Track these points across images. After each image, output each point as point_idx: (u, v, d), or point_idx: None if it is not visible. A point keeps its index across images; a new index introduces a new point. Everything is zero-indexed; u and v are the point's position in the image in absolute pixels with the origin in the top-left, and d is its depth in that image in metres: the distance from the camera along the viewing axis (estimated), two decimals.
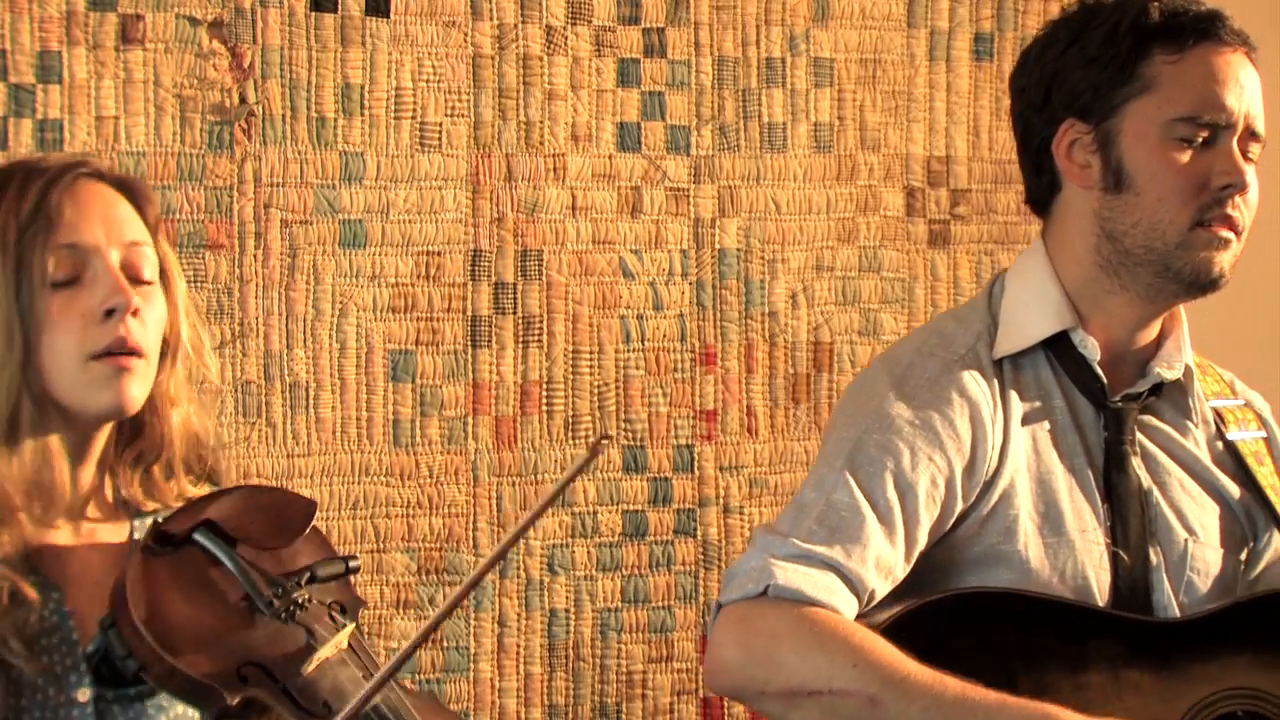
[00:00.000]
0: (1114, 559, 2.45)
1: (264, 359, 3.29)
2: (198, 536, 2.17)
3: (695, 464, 3.51)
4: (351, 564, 2.23)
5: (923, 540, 2.41)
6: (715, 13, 3.53)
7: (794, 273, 3.56)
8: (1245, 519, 2.55)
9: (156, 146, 3.24)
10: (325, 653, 2.09)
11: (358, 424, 3.34)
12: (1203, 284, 2.45)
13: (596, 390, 3.46)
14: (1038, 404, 2.49)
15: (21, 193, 2.19)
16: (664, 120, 3.50)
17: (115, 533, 2.26)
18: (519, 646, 3.40)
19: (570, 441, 3.45)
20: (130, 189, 2.26)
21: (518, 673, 3.40)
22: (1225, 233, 2.43)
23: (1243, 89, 2.43)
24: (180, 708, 2.20)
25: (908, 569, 2.41)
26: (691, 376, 3.51)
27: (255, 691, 2.05)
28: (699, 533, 3.49)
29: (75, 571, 2.20)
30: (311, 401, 3.32)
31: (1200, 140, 2.42)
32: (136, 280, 2.21)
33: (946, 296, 3.63)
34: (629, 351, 3.48)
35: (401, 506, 3.35)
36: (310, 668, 2.07)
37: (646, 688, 3.45)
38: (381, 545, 3.32)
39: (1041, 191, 2.54)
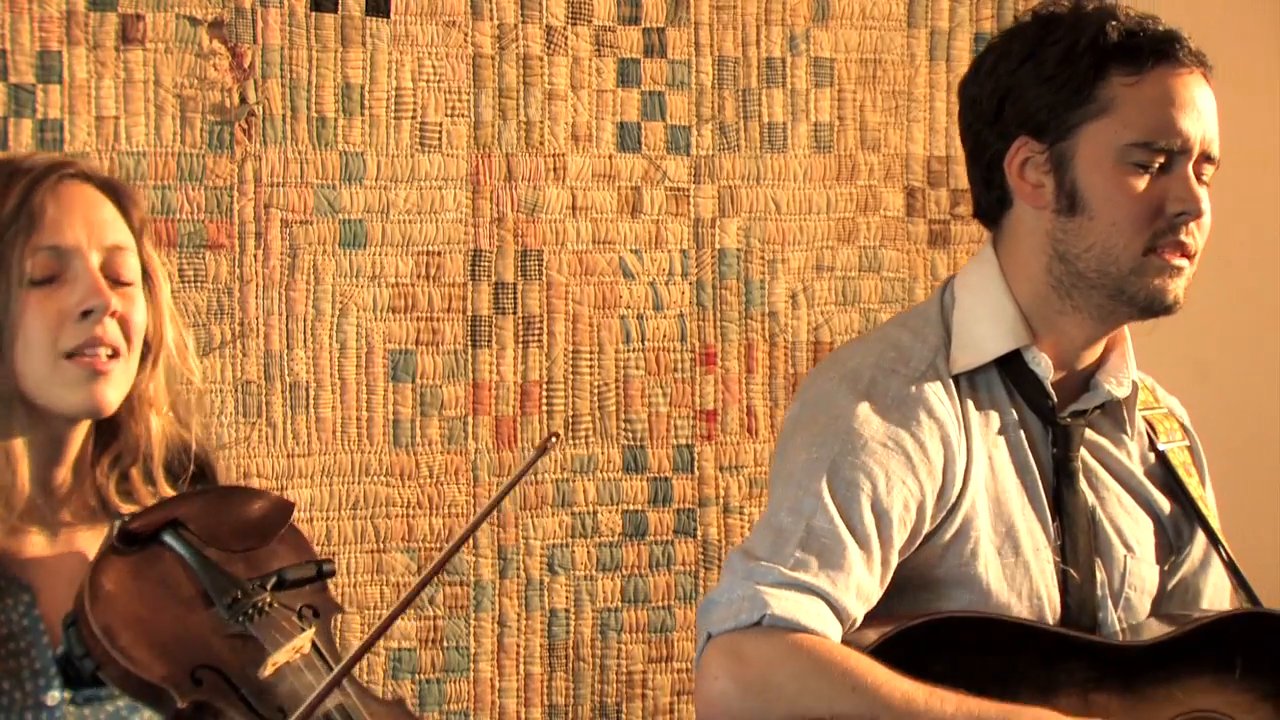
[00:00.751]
0: (1063, 576, 2.44)
1: (264, 359, 3.28)
2: (165, 536, 2.15)
3: (695, 464, 3.51)
4: (325, 568, 2.20)
5: (894, 563, 2.39)
6: (715, 13, 3.53)
7: (794, 273, 3.57)
8: (1173, 531, 2.54)
9: (157, 146, 3.24)
10: (281, 657, 2.07)
11: (358, 424, 3.34)
12: (1156, 309, 2.43)
13: (596, 390, 3.46)
14: (994, 421, 2.46)
15: (4, 191, 2.18)
16: (664, 120, 3.51)
17: (93, 536, 2.24)
18: (519, 646, 3.40)
19: (570, 442, 3.45)
20: (115, 191, 2.25)
21: (518, 673, 3.41)
22: (1178, 260, 2.39)
23: (1200, 113, 2.40)
24: (147, 713, 2.17)
25: (880, 591, 2.39)
26: (691, 376, 3.51)
27: (209, 695, 2.03)
28: (699, 533, 3.49)
29: (49, 574, 2.18)
30: (311, 401, 3.32)
31: (1156, 165, 2.38)
32: (116, 282, 2.20)
33: None
34: (629, 351, 3.49)
35: (401, 506, 3.35)
36: (266, 671, 2.05)
37: (646, 687, 3.46)
38: (381, 545, 3.32)
39: (991, 205, 2.49)
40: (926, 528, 2.40)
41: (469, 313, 3.40)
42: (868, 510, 2.37)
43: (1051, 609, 2.42)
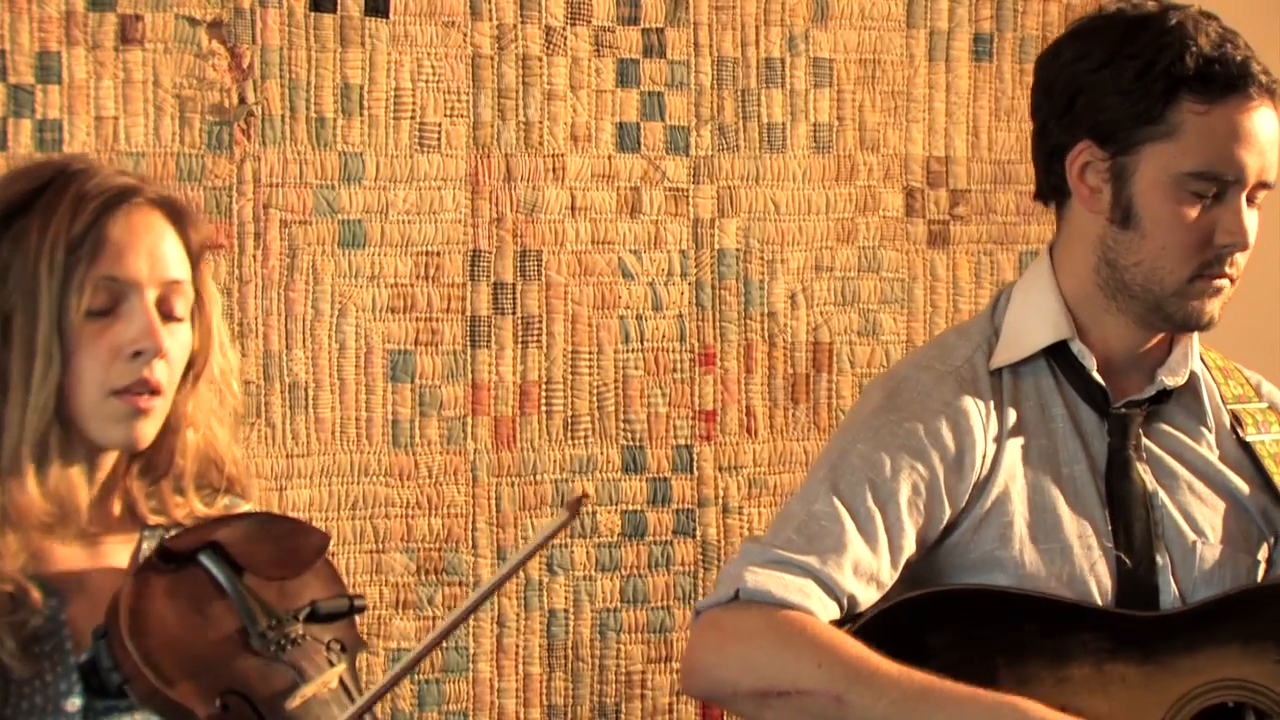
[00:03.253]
0: (1117, 562, 2.48)
1: (263, 359, 3.28)
2: (202, 558, 2.16)
3: (694, 464, 3.52)
4: (357, 603, 2.21)
5: (909, 547, 2.45)
6: (714, 13, 3.53)
7: (793, 273, 3.57)
8: (1262, 520, 2.56)
9: (156, 147, 3.24)
10: (310, 690, 2.08)
11: (357, 424, 3.34)
12: (1191, 327, 2.51)
13: (595, 390, 3.47)
14: (1036, 413, 2.52)
15: (75, 212, 2.17)
16: (663, 120, 3.51)
17: (121, 546, 2.26)
18: (518, 647, 3.41)
19: (569, 442, 3.45)
20: (179, 216, 2.25)
21: (516, 673, 3.41)
22: (1220, 282, 2.47)
23: (1262, 146, 2.45)
24: None
25: (894, 574, 2.45)
26: (691, 377, 3.51)
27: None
28: (698, 533, 3.50)
29: (76, 581, 2.19)
30: (311, 401, 3.32)
31: (1211, 194, 2.44)
32: (168, 316, 2.20)
33: (946, 297, 3.64)
34: (628, 352, 3.49)
35: (400, 507, 3.36)
36: (294, 703, 2.06)
37: (645, 688, 3.46)
38: (380, 545, 3.32)
39: (1049, 191, 2.56)
40: (948, 511, 2.47)
41: (468, 313, 3.41)
42: (869, 495, 2.44)
43: (1103, 594, 2.46)
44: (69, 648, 2.16)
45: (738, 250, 3.55)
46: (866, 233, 3.61)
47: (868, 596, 2.43)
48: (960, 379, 2.51)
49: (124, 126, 3.23)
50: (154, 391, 2.18)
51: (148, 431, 2.20)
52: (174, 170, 3.24)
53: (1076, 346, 2.52)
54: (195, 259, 2.25)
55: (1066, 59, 2.52)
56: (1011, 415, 2.51)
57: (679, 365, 3.51)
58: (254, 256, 3.28)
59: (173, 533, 2.23)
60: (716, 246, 3.54)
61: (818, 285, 3.58)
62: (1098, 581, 2.47)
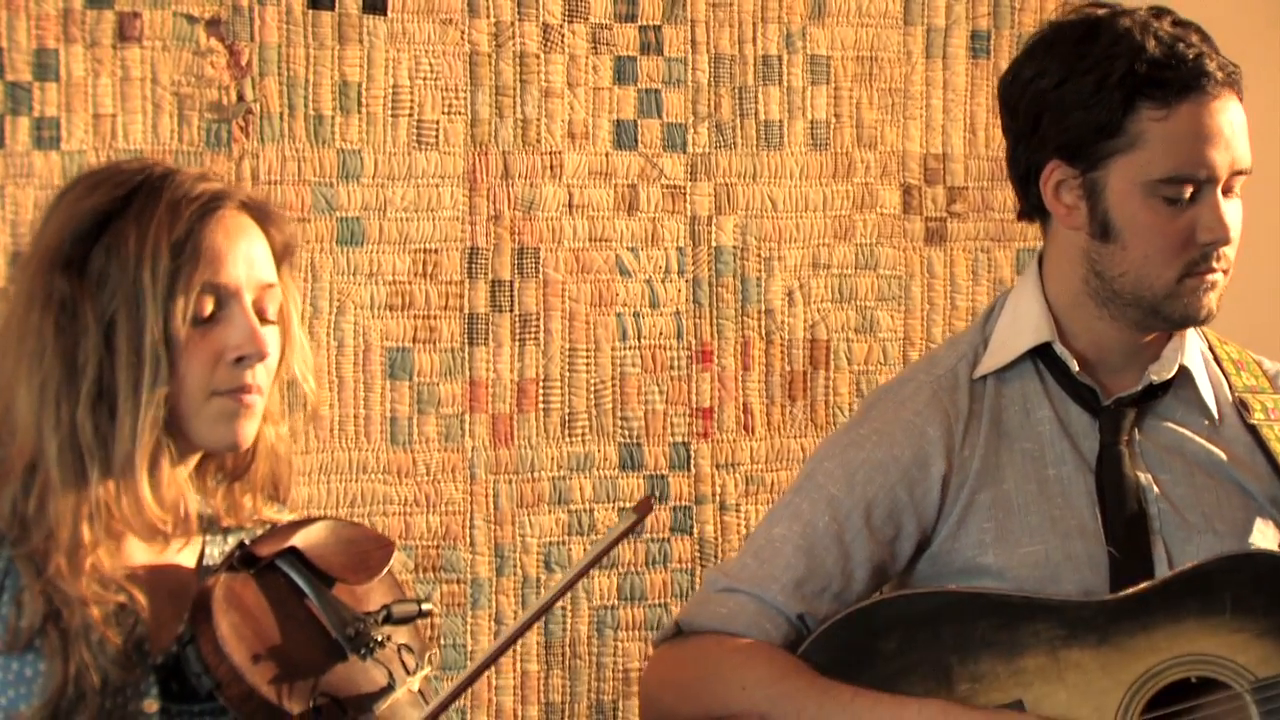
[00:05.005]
0: (1109, 558, 2.49)
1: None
2: (282, 564, 2.19)
3: (692, 461, 3.52)
4: (424, 607, 2.24)
5: (876, 556, 2.51)
6: (712, 10, 3.53)
7: (790, 270, 3.57)
8: (1272, 508, 2.56)
9: (154, 144, 3.24)
10: (400, 694, 2.13)
11: (355, 421, 3.35)
12: (1189, 323, 2.52)
13: (593, 388, 3.47)
14: (1020, 417, 2.54)
15: (173, 218, 2.17)
16: (661, 118, 3.51)
17: (188, 549, 2.27)
18: (516, 644, 3.38)
19: (566, 439, 3.45)
20: (266, 217, 2.26)
21: (514, 670, 3.41)
22: (1211, 276, 2.47)
23: (1227, 139, 2.46)
24: None
25: (861, 585, 2.52)
26: (688, 374, 3.52)
27: None
28: (695, 530, 3.50)
29: (149, 581, 2.20)
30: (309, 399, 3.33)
31: (1186, 196, 2.44)
32: (263, 319, 2.22)
33: (943, 294, 3.64)
34: (625, 349, 3.49)
35: (399, 504, 3.36)
36: (384, 706, 2.11)
37: None
38: None
39: (1031, 210, 2.57)
40: (916, 522, 2.52)
41: (466, 310, 3.41)
42: (828, 512, 2.52)
43: (1100, 589, 2.47)
44: (146, 649, 2.17)
45: (735, 247, 3.55)
46: (864, 230, 3.61)
47: (824, 611, 2.49)
48: (938, 388, 2.55)
49: (122, 124, 3.23)
50: (256, 392, 2.21)
51: (249, 431, 2.22)
52: None
53: (1058, 348, 2.53)
54: (280, 260, 2.27)
55: (1026, 78, 2.52)
56: (992, 422, 2.53)
57: (676, 363, 3.51)
58: None
59: (245, 536, 2.25)
60: (714, 244, 3.54)
61: (815, 282, 3.58)
62: (1092, 578, 2.48)
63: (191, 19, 3.26)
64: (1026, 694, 2.41)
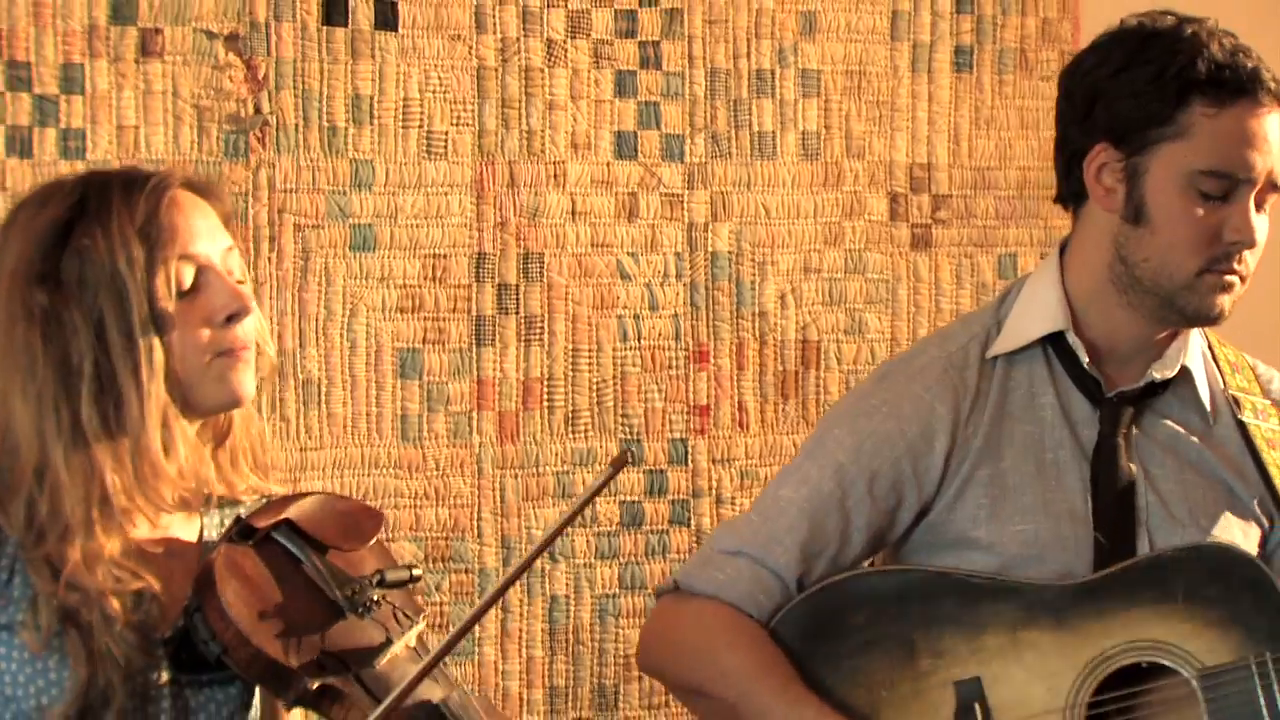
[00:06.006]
0: (1094, 544, 2.52)
1: (278, 357, 3.12)
2: (277, 535, 2.20)
3: (689, 457, 3.53)
4: (415, 573, 2.25)
5: (875, 524, 2.54)
6: (708, 27, 3.54)
7: (783, 274, 3.59)
8: (1258, 508, 2.58)
9: (175, 155, 3.26)
10: (398, 649, 2.15)
11: (368, 419, 3.36)
12: (1202, 321, 2.52)
13: (595, 387, 3.49)
14: (1025, 400, 2.56)
15: (130, 207, 2.18)
16: (659, 129, 3.52)
17: (187, 525, 2.28)
18: (521, 631, 3.43)
19: (570, 436, 3.46)
20: (207, 191, 2.27)
21: (520, 656, 3.43)
22: (1229, 277, 2.48)
23: (1271, 148, 2.47)
24: (246, 695, 2.24)
25: (858, 549, 2.55)
26: (685, 373, 3.53)
27: (332, 679, 2.10)
28: (693, 522, 3.52)
29: (154, 558, 2.21)
30: (323, 397, 3.34)
31: (1220, 194, 2.46)
32: (235, 281, 2.23)
33: (928, 297, 3.65)
34: (626, 350, 3.51)
35: (409, 498, 3.38)
36: (384, 660, 2.13)
37: None
38: (390, 535, 3.32)
39: (1068, 195, 2.58)
40: (917, 493, 2.55)
41: (473, 313, 3.42)
42: (835, 476, 2.54)
43: (1080, 572, 2.49)
44: (154, 624, 2.18)
45: (730, 253, 3.56)
46: (853, 236, 3.63)
47: (819, 573, 2.52)
48: (948, 364, 2.56)
49: (145, 135, 3.25)
50: (248, 347, 2.22)
51: (249, 383, 2.23)
52: None
53: (1071, 338, 2.55)
54: (229, 228, 2.28)
55: (1087, 66, 2.55)
56: (998, 402, 2.55)
57: (674, 362, 3.53)
58: (269, 259, 3.31)
59: (241, 511, 2.26)
60: (710, 249, 3.55)
61: (806, 286, 3.60)
62: (1077, 561, 2.50)
63: (211, 35, 3.28)
64: (984, 671, 2.44)
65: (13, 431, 2.16)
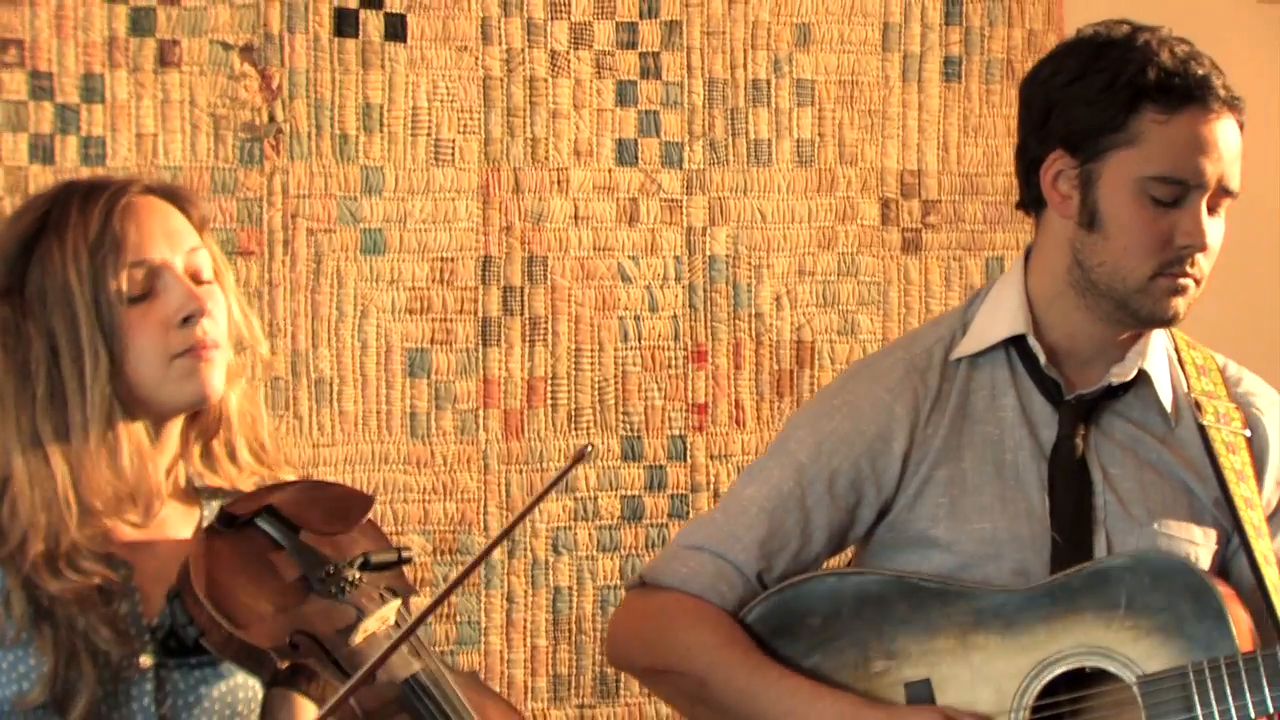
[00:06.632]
0: (1052, 543, 2.50)
1: (291, 357, 3.33)
2: (259, 521, 2.21)
3: (688, 453, 3.55)
4: (404, 554, 2.25)
5: (836, 521, 2.54)
6: (706, 38, 3.57)
7: (778, 277, 3.61)
8: (1215, 509, 2.56)
9: (192, 161, 3.29)
10: (372, 625, 2.13)
11: (378, 416, 3.39)
12: (1156, 323, 2.51)
13: (597, 385, 3.51)
14: (987, 401, 2.55)
15: (84, 217, 2.19)
16: (659, 137, 3.55)
17: (186, 517, 2.29)
18: (526, 621, 3.46)
19: (573, 432, 3.49)
20: (177, 196, 2.27)
21: (524, 645, 3.46)
22: (1183, 281, 2.47)
23: (1221, 154, 2.45)
24: (238, 677, 2.24)
25: (820, 546, 2.55)
26: (684, 373, 3.55)
27: (305, 658, 2.10)
28: (691, 516, 3.53)
29: (144, 550, 2.23)
30: (335, 396, 3.37)
31: (1172, 199, 2.45)
32: (198, 281, 2.23)
33: (918, 299, 3.66)
34: (627, 350, 3.53)
35: (418, 492, 3.41)
36: (357, 639, 2.11)
37: None
38: (399, 528, 3.36)
39: (1029, 201, 2.58)
40: (877, 492, 2.55)
41: (480, 314, 3.45)
42: (796, 475, 2.54)
43: (1041, 572, 2.49)
44: (140, 611, 2.20)
45: (727, 256, 3.58)
46: (845, 240, 3.65)
47: (781, 569, 2.53)
48: (910, 366, 2.55)
49: (163, 143, 3.28)
50: (213, 346, 2.21)
51: (216, 381, 2.22)
52: (209, 183, 3.29)
53: (1031, 341, 2.54)
54: (200, 230, 2.27)
55: (1043, 76, 2.54)
56: (959, 403, 2.54)
57: (674, 362, 3.55)
58: (283, 262, 3.34)
59: (230, 500, 2.25)
60: (708, 253, 3.57)
61: (801, 288, 3.62)
62: (1034, 560, 2.49)
63: (226, 46, 3.31)
64: (934, 673, 2.44)
65: None
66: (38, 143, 3.24)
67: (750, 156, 3.61)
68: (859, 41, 3.67)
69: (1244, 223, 3.41)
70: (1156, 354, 2.58)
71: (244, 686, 2.25)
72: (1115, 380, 2.55)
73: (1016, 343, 2.57)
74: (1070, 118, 2.49)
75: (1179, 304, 2.49)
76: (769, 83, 3.63)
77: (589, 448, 2.10)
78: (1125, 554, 2.48)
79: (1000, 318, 2.57)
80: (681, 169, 3.58)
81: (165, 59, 3.30)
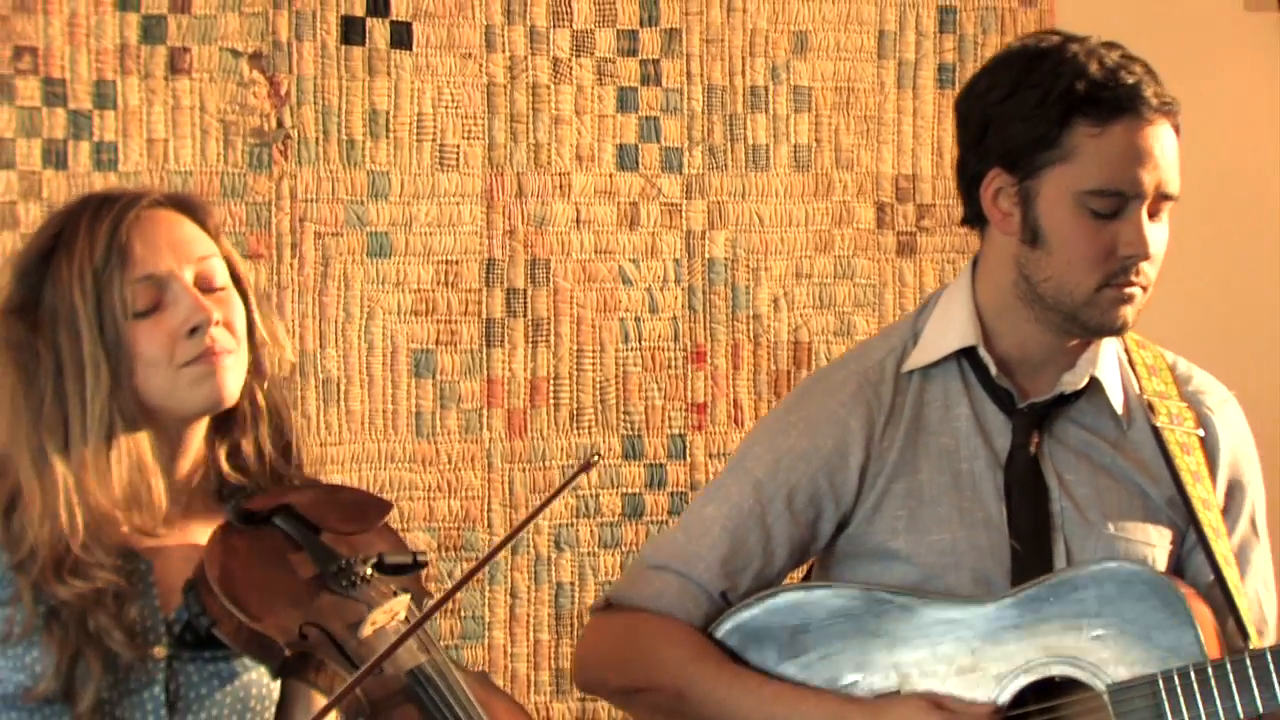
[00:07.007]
0: (1011, 551, 2.50)
1: (299, 357, 3.34)
2: (277, 520, 2.25)
3: (687, 451, 3.57)
4: (419, 558, 2.27)
5: (796, 537, 2.53)
6: (705, 46, 3.58)
7: (776, 279, 3.62)
8: (1170, 509, 2.54)
9: (202, 166, 3.32)
10: (380, 617, 2.15)
11: (384, 416, 3.41)
12: (1105, 332, 2.50)
13: (598, 385, 3.53)
14: (940, 413, 2.53)
15: (91, 234, 2.20)
16: (659, 142, 3.56)
17: (213, 517, 2.30)
18: (529, 616, 3.49)
19: (575, 432, 3.51)
20: (188, 206, 2.29)
21: (528, 640, 3.48)
22: (1129, 289, 2.45)
23: (1157, 162, 2.43)
24: (252, 674, 2.26)
25: (782, 562, 2.54)
26: (684, 373, 3.57)
27: (313, 647, 2.12)
28: None
29: (164, 553, 2.26)
30: (342, 396, 3.40)
31: (1111, 210, 2.42)
32: (210, 289, 2.25)
33: (913, 300, 3.65)
34: (627, 350, 3.55)
35: (423, 490, 3.43)
36: (365, 631, 2.13)
37: None
38: (405, 526, 3.37)
39: (972, 217, 2.57)
40: (834, 506, 2.54)
41: (484, 316, 3.47)
42: (754, 493, 2.53)
43: (1002, 580, 2.48)
44: (158, 605, 2.24)
45: (726, 259, 3.60)
46: (841, 243, 3.66)
47: (745, 587, 2.52)
48: (864, 380, 2.54)
49: (173, 148, 3.31)
50: (224, 352, 2.22)
51: (230, 384, 2.23)
52: (218, 188, 3.32)
53: (981, 352, 2.52)
54: (215, 237, 2.28)
55: (978, 92, 2.51)
56: (913, 415, 2.53)
57: (673, 362, 3.56)
58: (291, 265, 3.37)
59: (247, 496, 2.29)
60: (707, 256, 3.59)
61: (798, 290, 3.63)
62: (994, 568, 2.48)
63: (236, 53, 3.34)
64: (904, 684, 2.44)
65: (1, 455, 2.23)
66: (51, 148, 3.27)
67: (748, 161, 3.62)
68: (855, 49, 3.68)
69: (1244, 223, 3.44)
70: (1107, 359, 2.57)
71: (258, 684, 2.27)
72: (1067, 389, 2.54)
73: (968, 353, 2.55)
74: (1006, 135, 2.46)
75: (1127, 312, 2.47)
76: (767, 89, 3.64)
77: (596, 457, 2.12)
78: (1091, 562, 2.46)
79: (950, 329, 2.55)
80: (681, 174, 3.59)
81: (176, 66, 3.32)
